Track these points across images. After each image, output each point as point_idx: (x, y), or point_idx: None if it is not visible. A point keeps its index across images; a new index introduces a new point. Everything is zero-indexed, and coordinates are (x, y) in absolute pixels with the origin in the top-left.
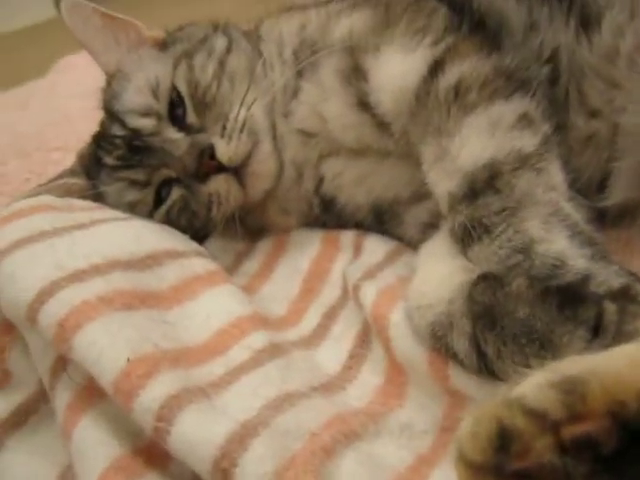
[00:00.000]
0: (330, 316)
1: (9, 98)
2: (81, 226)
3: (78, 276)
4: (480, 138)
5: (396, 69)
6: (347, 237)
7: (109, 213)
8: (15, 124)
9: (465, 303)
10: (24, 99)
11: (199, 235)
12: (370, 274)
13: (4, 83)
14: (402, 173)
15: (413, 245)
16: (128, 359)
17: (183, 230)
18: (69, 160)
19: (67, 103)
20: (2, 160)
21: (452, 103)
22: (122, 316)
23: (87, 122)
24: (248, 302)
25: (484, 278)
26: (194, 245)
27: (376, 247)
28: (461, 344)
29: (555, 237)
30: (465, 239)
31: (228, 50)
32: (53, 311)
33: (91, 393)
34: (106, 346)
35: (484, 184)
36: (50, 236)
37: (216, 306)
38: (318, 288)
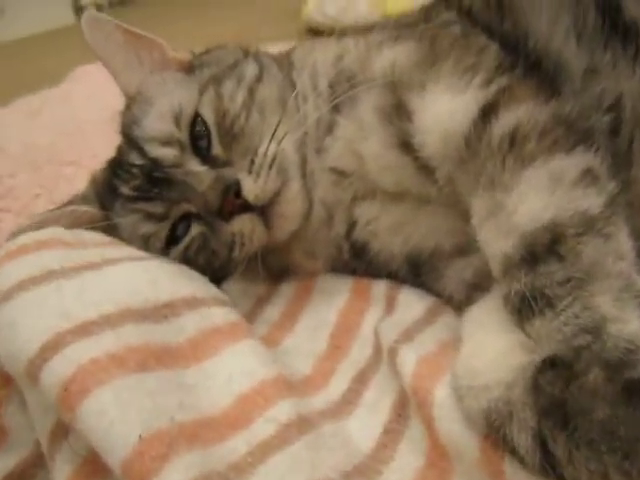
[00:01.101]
0: (361, 380)
1: (21, 105)
2: (92, 266)
3: (87, 328)
4: (540, 195)
5: (444, 110)
6: (379, 288)
7: (123, 251)
8: (26, 134)
9: (528, 392)
10: (37, 107)
11: (217, 275)
12: (407, 336)
13: (17, 90)
14: (444, 222)
15: (454, 304)
16: (140, 436)
17: (200, 269)
18: (81, 176)
19: (82, 114)
20: (12, 172)
21: (507, 153)
22: (135, 380)
23: (102, 136)
24: (272, 361)
25: (552, 364)
26: (213, 290)
27: (412, 303)
28: (522, 439)
29: (629, 316)
30: (523, 311)
31: (259, 78)
32: (57, 370)
33: (95, 469)
34: (116, 418)
35: (545, 249)
36: (57, 277)
37: (238, 366)
38: (347, 345)
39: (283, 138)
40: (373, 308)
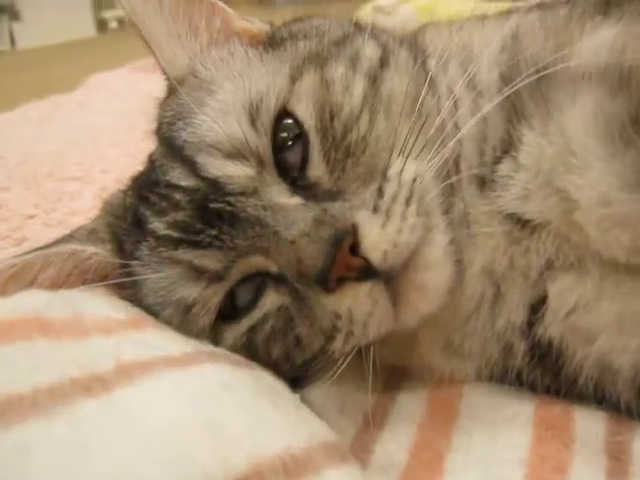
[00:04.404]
0: None
1: (29, 111)
2: (96, 385)
3: None
4: None
5: None
6: (589, 426)
7: (152, 342)
8: (30, 141)
9: None
10: (46, 114)
11: (294, 374)
12: None
13: (30, 97)
14: None
15: None
16: None
17: (272, 364)
18: (86, 196)
19: (95, 123)
20: (5, 185)
21: None
22: None
23: (117, 148)
24: None
25: None
26: (316, 426)
27: None
28: None
29: None
30: None
31: (383, 63)
32: None
33: None
34: None
35: None
36: (25, 416)
37: None
38: None
39: (418, 157)
40: (581, 460)
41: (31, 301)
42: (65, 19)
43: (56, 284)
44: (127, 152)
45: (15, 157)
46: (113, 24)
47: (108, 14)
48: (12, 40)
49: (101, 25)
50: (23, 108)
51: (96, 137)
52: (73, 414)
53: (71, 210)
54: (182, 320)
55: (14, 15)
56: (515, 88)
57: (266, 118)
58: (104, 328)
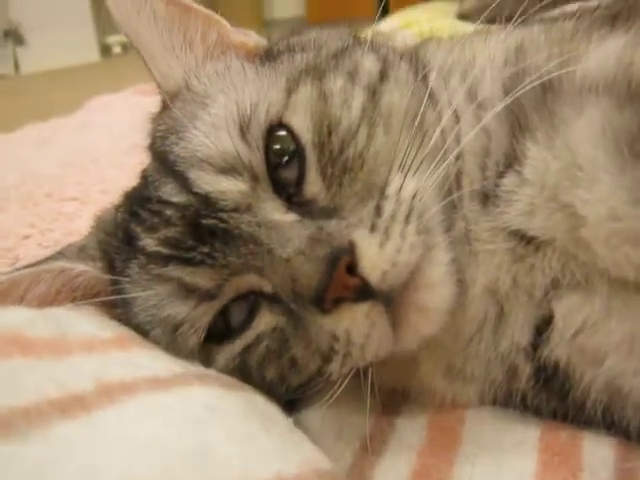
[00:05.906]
0: None
1: (30, 132)
2: (77, 405)
3: None
4: None
5: None
6: (596, 452)
7: (137, 360)
8: (29, 162)
9: None
10: (47, 135)
11: (289, 397)
12: None
13: (33, 121)
14: None
15: None
16: None
17: (266, 387)
18: (84, 216)
19: (96, 145)
20: (1, 204)
21: None
22: None
23: (116, 170)
24: None
25: None
26: (307, 452)
27: None
28: None
29: None
30: None
31: (382, 77)
32: None
33: None
34: None
35: None
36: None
37: None
38: None
39: (418, 172)
40: None
41: (12, 318)
42: (69, 44)
43: (45, 302)
44: (127, 173)
45: (14, 177)
46: (117, 49)
47: (112, 39)
48: (16, 65)
49: (105, 50)
50: (24, 129)
51: (96, 158)
52: (49, 436)
53: (68, 231)
54: (170, 340)
55: (18, 40)
56: (518, 94)
57: (257, 131)
58: (87, 347)
